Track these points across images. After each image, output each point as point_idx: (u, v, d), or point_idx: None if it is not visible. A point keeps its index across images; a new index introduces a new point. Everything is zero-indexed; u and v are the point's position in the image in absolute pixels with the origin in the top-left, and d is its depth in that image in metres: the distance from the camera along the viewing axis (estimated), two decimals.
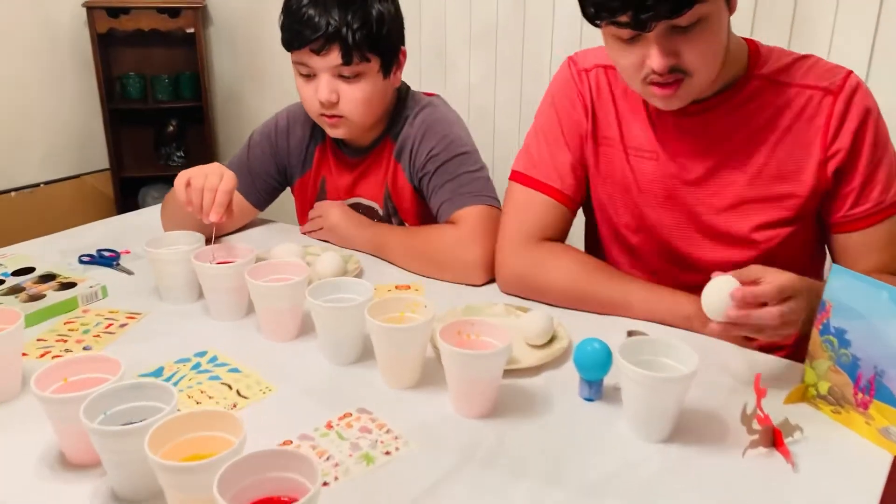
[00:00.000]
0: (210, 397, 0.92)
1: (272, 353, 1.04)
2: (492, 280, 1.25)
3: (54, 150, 3.16)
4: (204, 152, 3.30)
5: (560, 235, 1.22)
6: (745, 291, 0.89)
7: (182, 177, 1.20)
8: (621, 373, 0.85)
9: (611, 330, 1.07)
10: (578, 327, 1.09)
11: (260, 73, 3.13)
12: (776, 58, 1.11)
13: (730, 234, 1.14)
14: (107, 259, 1.35)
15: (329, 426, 0.86)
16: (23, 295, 1.17)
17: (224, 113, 3.35)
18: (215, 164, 1.22)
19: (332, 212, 1.43)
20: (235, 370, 0.98)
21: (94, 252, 1.37)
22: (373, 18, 1.28)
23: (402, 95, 1.43)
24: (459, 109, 2.19)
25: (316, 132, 1.48)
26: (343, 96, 1.31)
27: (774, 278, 0.90)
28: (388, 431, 0.86)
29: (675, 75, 1.01)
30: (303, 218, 1.57)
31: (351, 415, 0.89)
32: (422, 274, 1.29)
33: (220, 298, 1.12)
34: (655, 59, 0.99)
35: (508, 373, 0.95)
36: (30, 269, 1.27)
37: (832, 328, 0.87)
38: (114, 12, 3.00)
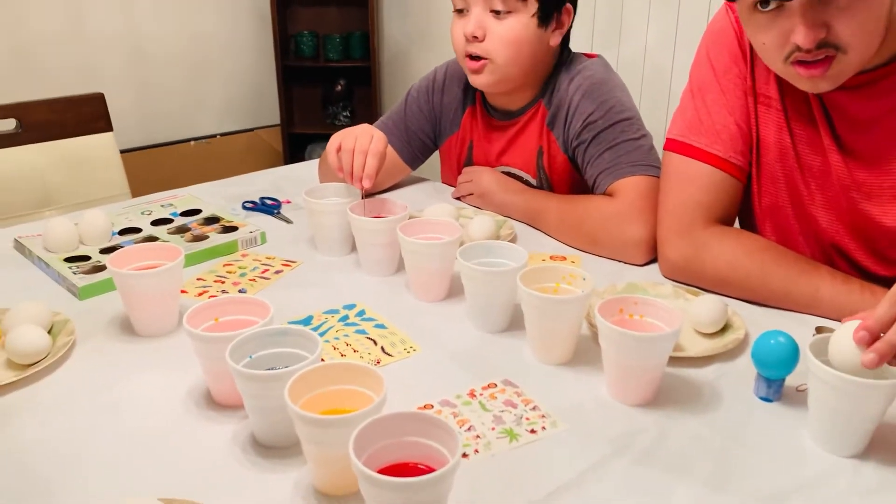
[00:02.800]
0: (355, 351, 0.90)
1: (419, 313, 1.00)
2: (655, 259, 1.15)
3: (231, 104, 3.33)
4: (369, 113, 3.36)
5: (729, 213, 1.08)
6: (866, 324, 0.69)
7: (333, 141, 1.18)
8: (810, 373, 0.73)
9: (794, 323, 0.95)
10: (755, 318, 0.97)
11: (428, 34, 3.12)
12: None
13: (882, 228, 0.98)
14: (268, 207, 1.37)
15: (472, 395, 0.81)
16: (188, 235, 1.21)
17: (390, 74, 3.38)
18: (366, 126, 1.19)
19: (483, 177, 1.37)
20: (381, 326, 0.95)
21: (257, 199, 1.40)
22: None
23: (563, 60, 1.33)
24: (633, 72, 2.05)
25: (469, 91, 1.42)
26: (490, 32, 1.23)
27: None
28: (534, 408, 0.79)
29: (824, 51, 0.85)
30: (447, 181, 1.52)
31: (496, 385, 0.83)
32: (577, 248, 1.20)
33: (372, 253, 1.10)
34: (801, 33, 0.83)
35: (674, 360, 0.85)
36: (196, 211, 1.31)
37: None
38: None
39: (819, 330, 0.91)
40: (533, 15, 1.24)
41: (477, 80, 1.29)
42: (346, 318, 0.98)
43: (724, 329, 0.93)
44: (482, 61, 1.26)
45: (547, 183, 1.36)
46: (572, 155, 1.30)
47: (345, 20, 3.29)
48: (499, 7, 1.23)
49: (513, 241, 1.22)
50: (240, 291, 1.05)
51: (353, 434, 0.59)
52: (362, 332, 0.94)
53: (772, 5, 0.86)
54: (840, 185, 1.00)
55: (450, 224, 1.06)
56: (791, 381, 0.81)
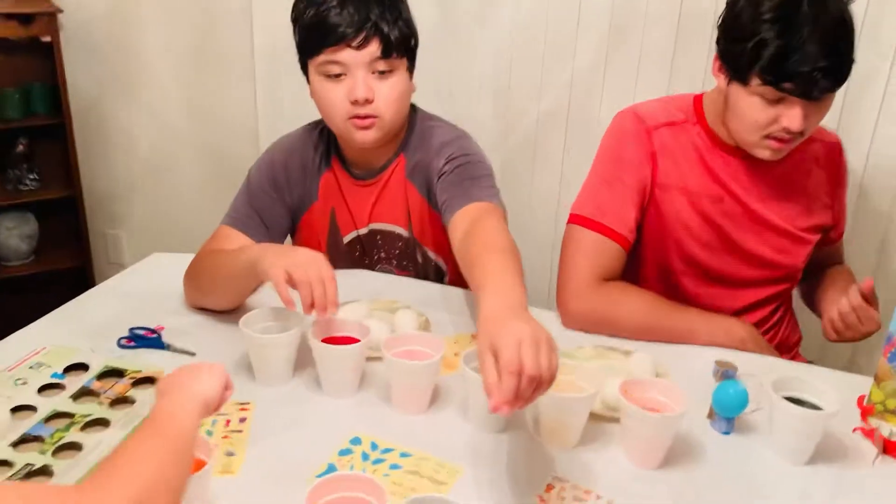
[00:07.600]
0: (412, 489, 0.92)
1: (418, 427, 1.05)
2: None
3: None
4: (62, 172, 2.97)
5: (618, 274, 1.35)
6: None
7: (278, 273, 1.07)
8: (774, 407, 1.00)
9: (693, 360, 1.23)
10: (664, 362, 1.21)
11: (125, 81, 2.85)
12: None
13: (773, 262, 1.37)
14: (153, 340, 1.24)
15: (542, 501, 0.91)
16: (103, 400, 1.06)
17: (84, 128, 3.01)
18: (304, 250, 1.13)
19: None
20: (406, 454, 0.98)
21: (127, 333, 1.25)
22: (403, 16, 1.32)
23: (413, 109, 1.43)
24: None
25: (319, 159, 1.44)
26: (378, 93, 1.30)
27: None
28: (598, 498, 0.93)
29: (798, 135, 1.20)
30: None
31: (553, 487, 0.94)
32: None
33: (340, 377, 1.10)
34: (797, 121, 1.16)
35: None
36: (81, 366, 1.14)
37: None
38: None
39: (719, 364, 1.19)
40: (406, 69, 1.33)
41: (366, 137, 1.32)
42: (366, 456, 0.98)
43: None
44: (372, 119, 1.31)
45: (415, 232, 1.44)
46: (430, 192, 1.38)
47: (22, 72, 2.84)
48: (382, 68, 1.29)
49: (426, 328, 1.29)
50: (228, 454, 0.98)
51: None
52: (397, 466, 0.96)
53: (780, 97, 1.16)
54: (730, 243, 1.36)
55: (425, 337, 1.12)
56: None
